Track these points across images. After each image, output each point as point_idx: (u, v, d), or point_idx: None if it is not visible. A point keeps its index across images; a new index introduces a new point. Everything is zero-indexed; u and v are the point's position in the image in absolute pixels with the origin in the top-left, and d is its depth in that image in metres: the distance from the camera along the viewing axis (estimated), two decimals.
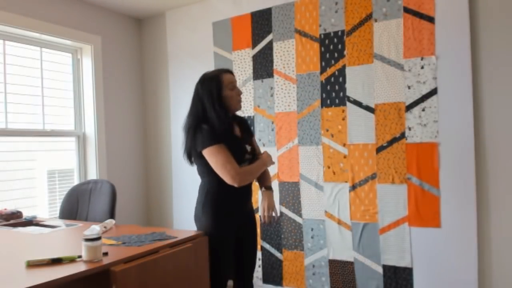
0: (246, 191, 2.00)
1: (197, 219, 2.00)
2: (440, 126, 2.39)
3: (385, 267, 2.54)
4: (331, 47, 2.73)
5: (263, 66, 2.98)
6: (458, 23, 2.33)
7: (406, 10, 2.47)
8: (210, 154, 1.84)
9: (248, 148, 1.99)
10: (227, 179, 1.83)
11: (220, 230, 1.92)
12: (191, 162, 2.00)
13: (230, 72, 1.99)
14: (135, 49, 3.68)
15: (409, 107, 2.47)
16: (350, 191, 2.65)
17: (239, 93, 1.97)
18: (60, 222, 2.42)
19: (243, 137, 2.04)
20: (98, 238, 1.52)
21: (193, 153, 1.93)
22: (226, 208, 1.94)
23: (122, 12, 3.52)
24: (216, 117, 1.87)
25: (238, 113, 2.11)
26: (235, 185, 1.83)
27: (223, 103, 1.91)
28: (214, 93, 1.91)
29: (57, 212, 2.86)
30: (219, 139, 1.84)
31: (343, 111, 2.68)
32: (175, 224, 3.44)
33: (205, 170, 1.92)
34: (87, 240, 1.50)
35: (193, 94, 2.00)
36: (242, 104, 2.04)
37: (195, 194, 3.35)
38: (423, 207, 2.43)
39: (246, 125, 2.12)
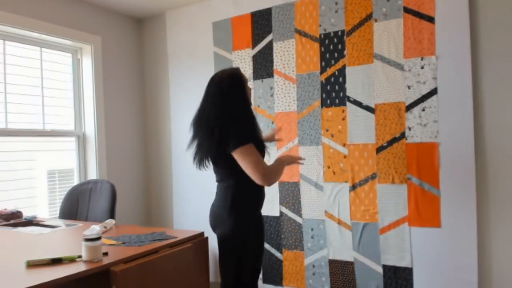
0: (263, 189, 2.00)
1: (220, 222, 1.89)
2: (440, 126, 2.39)
3: (385, 267, 2.54)
4: (331, 47, 2.73)
5: (263, 66, 2.98)
6: (458, 23, 2.33)
7: (406, 10, 2.47)
8: (243, 154, 1.77)
9: (267, 146, 2.01)
10: (259, 179, 1.77)
11: (251, 232, 1.90)
12: (217, 163, 1.90)
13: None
14: (135, 49, 3.68)
15: (409, 107, 2.47)
16: (350, 191, 2.65)
17: (250, 89, 2.00)
18: (60, 222, 2.42)
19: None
20: (98, 238, 1.52)
21: (218, 155, 1.84)
22: (252, 211, 1.94)
23: (122, 12, 3.52)
24: (248, 117, 1.89)
25: None
26: (266, 184, 1.82)
27: (248, 103, 1.93)
28: (242, 92, 1.90)
29: (57, 212, 2.86)
30: (250, 138, 1.80)
31: (343, 111, 2.68)
32: (175, 224, 3.44)
33: (232, 171, 1.85)
34: (87, 240, 1.50)
35: (211, 92, 1.91)
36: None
37: (195, 194, 3.36)
38: (423, 207, 2.43)
39: None
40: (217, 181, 1.96)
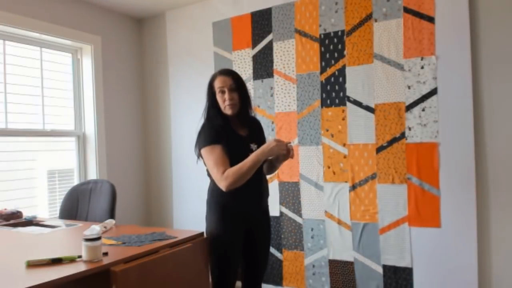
0: (257, 190, 1.94)
1: (206, 218, 1.97)
2: (440, 126, 2.39)
3: (385, 267, 2.54)
4: (331, 47, 2.73)
5: (263, 66, 2.98)
6: (458, 23, 2.33)
7: (406, 10, 2.47)
8: (204, 155, 1.85)
9: (254, 147, 1.92)
10: (217, 181, 1.80)
11: (227, 230, 1.87)
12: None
13: (225, 73, 1.92)
14: (135, 49, 3.68)
15: (409, 107, 2.47)
16: (350, 191, 2.65)
17: (224, 99, 1.87)
18: (60, 222, 2.42)
19: (250, 136, 1.97)
20: (98, 238, 1.52)
21: (197, 153, 1.94)
22: (233, 208, 1.87)
23: (122, 12, 3.52)
24: (209, 118, 1.93)
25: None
26: (223, 189, 1.76)
27: (216, 106, 1.93)
28: (209, 95, 1.95)
29: (57, 212, 2.86)
30: (215, 140, 1.81)
31: (343, 111, 2.68)
32: (175, 224, 3.44)
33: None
34: (87, 240, 1.50)
35: None
36: (233, 108, 1.89)
37: (195, 194, 3.36)
38: (423, 207, 2.43)
39: (257, 125, 2.07)
40: None
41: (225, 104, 1.88)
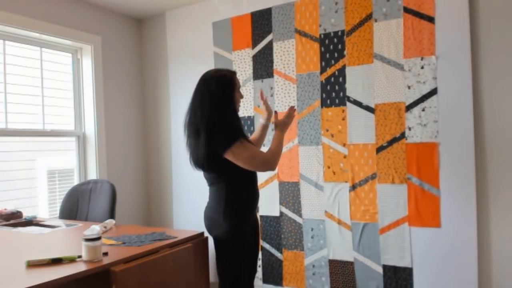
0: (258, 190, 2.00)
1: (215, 225, 1.88)
2: (440, 126, 2.39)
3: (385, 267, 2.54)
4: (331, 47, 2.73)
5: (263, 66, 2.98)
6: (458, 23, 2.33)
7: (406, 10, 2.47)
8: (237, 152, 1.76)
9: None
10: (261, 169, 1.84)
11: (247, 233, 1.89)
12: (204, 168, 1.87)
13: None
14: (135, 49, 3.68)
15: (409, 107, 2.47)
16: (350, 191, 2.65)
17: (242, 96, 1.98)
18: (60, 222, 2.42)
19: None
20: (98, 238, 1.52)
21: (211, 158, 1.79)
22: (246, 212, 1.91)
23: (122, 12, 3.52)
24: (235, 118, 1.88)
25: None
26: (271, 170, 1.85)
27: (234, 109, 1.91)
28: (230, 96, 1.88)
29: (57, 212, 2.86)
30: (239, 135, 1.80)
31: (343, 111, 2.68)
32: (175, 224, 3.44)
33: (221, 175, 1.85)
34: (87, 240, 1.50)
35: (200, 90, 1.90)
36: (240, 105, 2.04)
37: (195, 194, 3.36)
38: (423, 207, 2.43)
39: None
40: (208, 185, 1.95)
41: (239, 102, 1.96)
